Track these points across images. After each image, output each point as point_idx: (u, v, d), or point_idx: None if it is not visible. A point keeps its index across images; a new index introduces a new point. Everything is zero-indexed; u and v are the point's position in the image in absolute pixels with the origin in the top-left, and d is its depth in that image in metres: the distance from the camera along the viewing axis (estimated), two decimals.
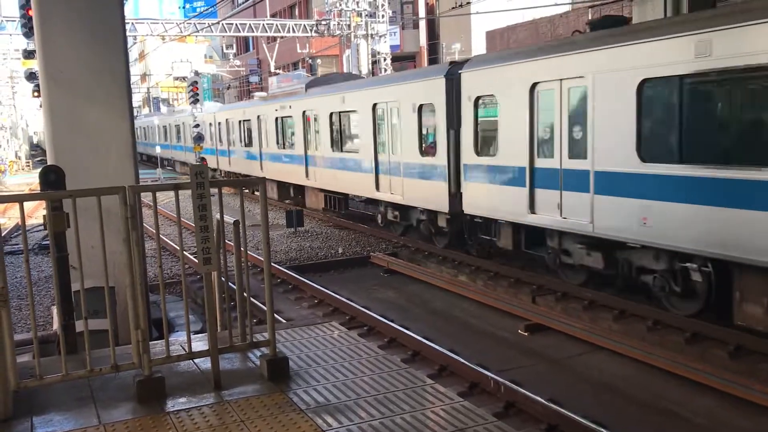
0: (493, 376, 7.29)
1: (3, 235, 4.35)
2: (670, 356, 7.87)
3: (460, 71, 12.67)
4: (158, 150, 40.93)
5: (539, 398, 6.68)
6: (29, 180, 39.07)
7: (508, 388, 7.01)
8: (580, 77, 9.90)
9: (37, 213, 21.35)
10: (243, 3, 51.60)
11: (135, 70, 70.74)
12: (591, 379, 7.80)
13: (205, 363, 4.93)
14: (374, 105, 15.82)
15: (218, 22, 32.51)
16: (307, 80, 21.96)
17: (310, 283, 12.01)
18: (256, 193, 22.30)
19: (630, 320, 9.32)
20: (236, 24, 32.32)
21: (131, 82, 8.72)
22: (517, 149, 11.14)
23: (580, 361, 8.32)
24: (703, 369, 7.43)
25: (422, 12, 41.90)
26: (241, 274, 5.02)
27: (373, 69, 31.73)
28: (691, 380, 7.40)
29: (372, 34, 31.49)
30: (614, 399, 7.24)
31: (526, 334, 9.36)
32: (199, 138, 30.04)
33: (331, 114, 18.25)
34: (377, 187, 15.98)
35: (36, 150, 77.38)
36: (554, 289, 10.90)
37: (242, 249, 4.91)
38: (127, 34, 9.67)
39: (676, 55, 8.38)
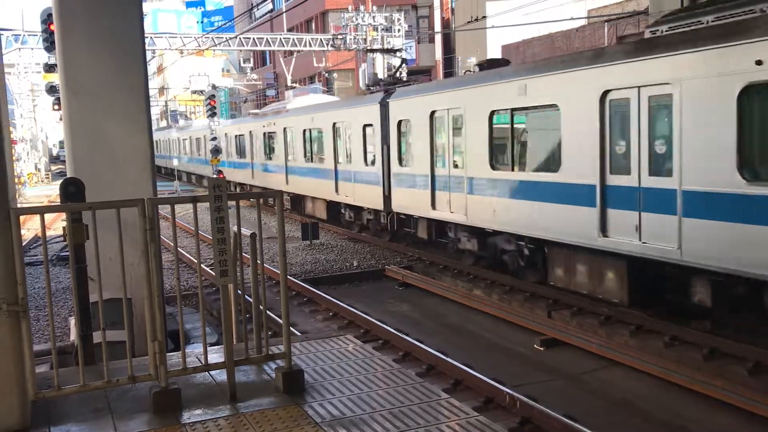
0: (508, 391, 7.25)
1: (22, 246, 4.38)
2: (688, 373, 7.79)
3: (388, 100, 16.24)
4: (175, 162, 41.29)
5: (555, 414, 6.63)
6: (48, 192, 39.47)
7: (523, 403, 6.97)
8: (459, 107, 13.27)
9: (55, 224, 21.57)
10: (260, 17, 52.07)
11: (153, 83, 71.37)
12: (607, 395, 7.74)
13: (220, 375, 4.96)
14: (334, 124, 19.39)
15: (236, 37, 32.74)
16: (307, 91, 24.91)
17: (325, 296, 12.03)
18: (259, 203, 23.05)
19: (647, 336, 9.25)
20: (253, 38, 32.56)
21: (150, 96, 8.82)
22: (423, 161, 14.75)
23: (597, 377, 8.26)
24: (721, 386, 7.34)
25: (438, 26, 42.05)
26: (257, 286, 5.04)
27: None
28: (709, 397, 7.32)
29: (388, 48, 31.58)
30: (631, 415, 7.18)
31: (541, 348, 9.32)
32: (216, 151, 30.25)
33: (304, 131, 21.81)
34: (337, 192, 19.56)
35: (55, 162, 78.16)
36: (570, 303, 10.85)
37: (258, 262, 4.94)
38: (146, 48, 9.78)
39: (509, 94, 11.72)
